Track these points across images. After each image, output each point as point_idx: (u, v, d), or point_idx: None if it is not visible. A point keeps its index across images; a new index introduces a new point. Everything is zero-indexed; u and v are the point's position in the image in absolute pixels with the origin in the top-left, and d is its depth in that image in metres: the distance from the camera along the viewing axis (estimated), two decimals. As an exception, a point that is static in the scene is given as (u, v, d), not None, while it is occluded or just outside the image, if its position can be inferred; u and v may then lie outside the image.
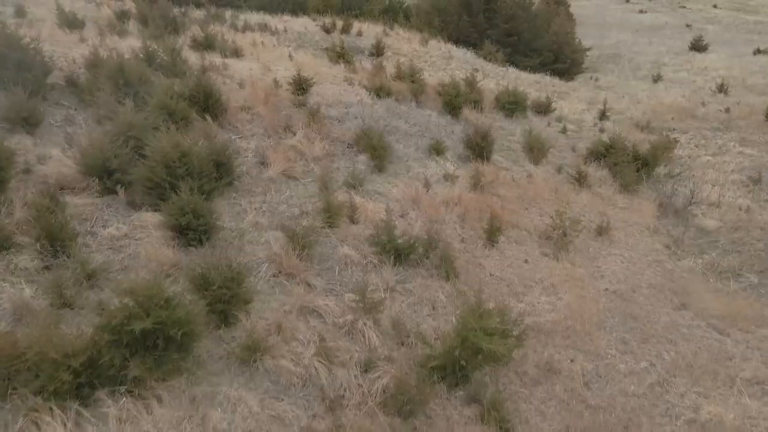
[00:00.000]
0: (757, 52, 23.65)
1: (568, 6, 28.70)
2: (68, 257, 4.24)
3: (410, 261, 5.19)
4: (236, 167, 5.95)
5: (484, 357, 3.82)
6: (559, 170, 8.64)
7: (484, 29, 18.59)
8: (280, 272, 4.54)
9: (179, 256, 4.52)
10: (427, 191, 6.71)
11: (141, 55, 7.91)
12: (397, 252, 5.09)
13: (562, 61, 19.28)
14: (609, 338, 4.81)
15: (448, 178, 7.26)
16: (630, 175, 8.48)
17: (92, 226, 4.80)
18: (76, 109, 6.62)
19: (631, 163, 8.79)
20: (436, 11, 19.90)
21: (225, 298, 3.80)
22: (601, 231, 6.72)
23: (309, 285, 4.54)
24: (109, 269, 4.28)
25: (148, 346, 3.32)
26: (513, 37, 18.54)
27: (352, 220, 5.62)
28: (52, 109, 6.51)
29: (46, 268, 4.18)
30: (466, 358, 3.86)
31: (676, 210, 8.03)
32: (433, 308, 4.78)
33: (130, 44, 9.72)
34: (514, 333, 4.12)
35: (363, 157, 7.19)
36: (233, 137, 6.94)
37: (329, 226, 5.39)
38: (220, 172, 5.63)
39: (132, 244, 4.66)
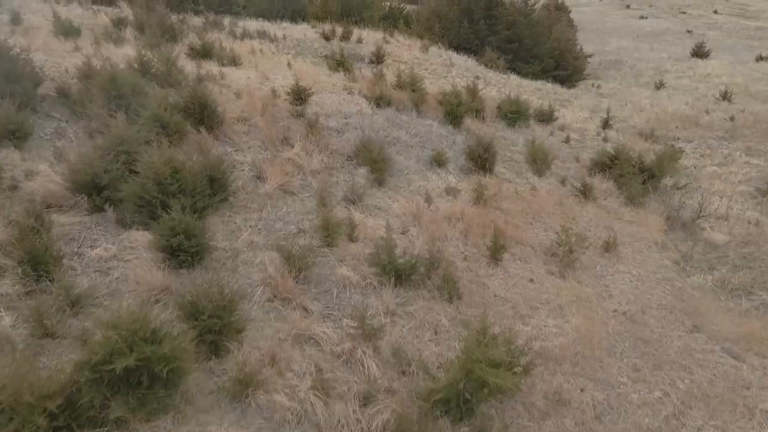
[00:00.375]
0: (760, 58, 23.52)
1: (569, 12, 28.62)
2: (51, 282, 4.04)
3: (411, 282, 4.98)
4: (231, 182, 5.74)
5: (490, 390, 3.60)
6: (563, 182, 8.44)
7: (485, 36, 18.45)
8: (275, 296, 4.33)
9: (170, 279, 4.31)
10: (429, 206, 6.50)
11: (135, 65, 7.72)
12: (397, 273, 4.88)
13: (564, 68, 19.14)
14: (620, 365, 4.59)
15: (450, 191, 7.06)
16: (636, 187, 8.28)
17: (79, 247, 4.60)
18: (67, 122, 6.43)
19: (636, 174, 8.59)
20: (436, 17, 19.77)
21: (216, 329, 3.59)
22: (608, 247, 6.51)
23: (305, 310, 4.33)
24: (94, 294, 4.07)
25: (131, 383, 3.10)
26: (514, 44, 18.40)
27: (351, 238, 5.41)
28: (42, 121, 6.31)
29: (28, 293, 3.97)
30: (471, 391, 3.65)
31: (684, 223, 7.82)
32: (436, 333, 4.56)
33: (126, 53, 9.54)
34: (522, 362, 3.90)
35: (363, 170, 6.99)
36: (229, 150, 6.74)
37: (327, 245, 5.18)
38: (214, 188, 5.43)
39: (120, 266, 4.45)
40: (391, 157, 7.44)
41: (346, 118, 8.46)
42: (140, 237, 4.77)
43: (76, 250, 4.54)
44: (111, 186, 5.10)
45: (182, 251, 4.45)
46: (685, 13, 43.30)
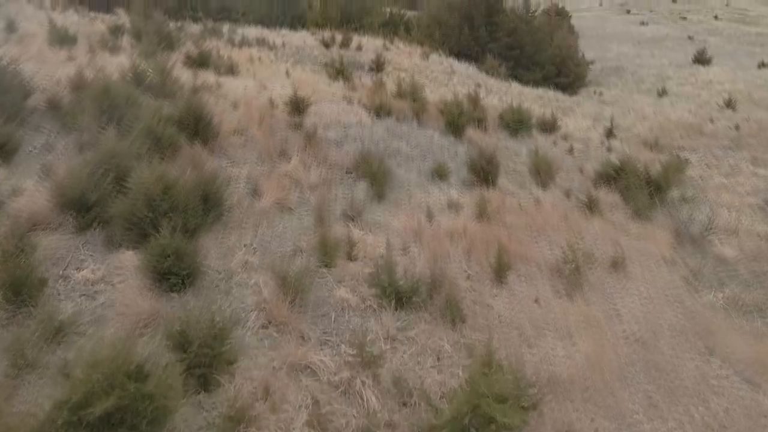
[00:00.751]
0: (762, 65, 23.40)
1: (569, 17, 28.55)
2: (34, 307, 3.83)
3: (413, 304, 4.77)
4: (226, 199, 5.54)
5: (497, 427, 3.38)
6: (567, 195, 8.24)
7: (486, 43, 18.33)
8: (270, 322, 4.12)
9: (159, 303, 4.10)
10: (430, 222, 6.30)
11: (129, 76, 7.55)
12: (398, 295, 4.67)
13: (565, 75, 19.00)
14: (632, 394, 4.37)
15: (452, 206, 6.86)
16: (643, 200, 8.08)
17: (65, 269, 4.39)
18: (57, 135, 6.24)
19: (643, 187, 8.39)
20: (436, 24, 19.66)
21: (206, 361, 3.38)
22: (616, 264, 6.30)
23: (302, 336, 4.12)
24: (79, 321, 3.86)
25: (113, 423, 2.89)
26: (515, 51, 18.27)
27: (350, 257, 5.21)
28: (30, 134, 6.13)
29: (10, 320, 3.77)
30: (477, 427, 3.43)
31: (693, 238, 7.61)
32: (438, 359, 4.34)
33: (121, 62, 9.39)
34: (530, 394, 3.69)
35: (362, 185, 6.79)
36: (224, 164, 6.56)
37: (325, 266, 4.97)
38: (208, 205, 5.23)
39: (107, 289, 4.24)
40: (391, 170, 7.25)
41: (345, 129, 8.28)
42: (129, 258, 4.56)
43: (61, 272, 4.33)
44: (100, 204, 4.90)
45: (173, 274, 4.24)
46: (685, 18, 43.28)
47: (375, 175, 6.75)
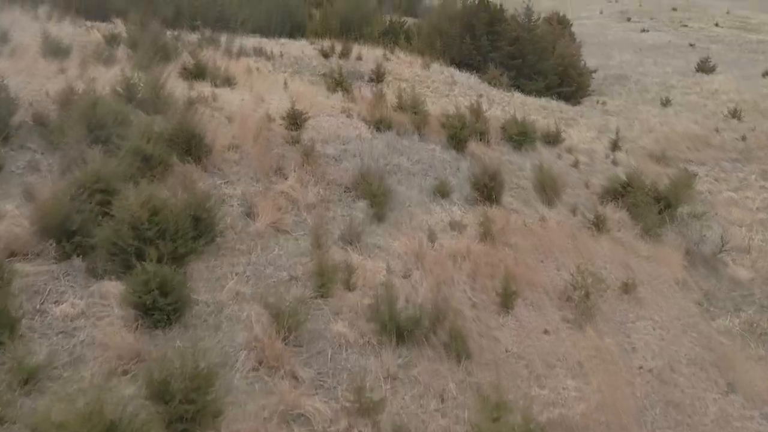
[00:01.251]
0: (766, 74, 23.18)
1: (571, 25, 28.38)
2: (5, 350, 3.54)
3: (415, 338, 4.48)
4: (218, 222, 5.26)
5: (508, 485, 3.09)
6: (573, 212, 7.97)
7: (488, 52, 18.11)
8: (260, 363, 3.83)
9: (142, 342, 3.81)
10: (433, 244, 6.02)
11: (120, 90, 7.29)
12: (399, 330, 4.38)
13: (568, 84, 18.78)
14: (651, 437, 4.08)
15: (455, 226, 6.58)
16: (652, 218, 7.80)
17: (43, 303, 4.11)
18: (43, 154, 5.97)
19: (651, 203, 8.12)
20: (437, 33, 19.46)
21: (189, 415, 3.09)
22: (627, 289, 6.02)
23: (295, 378, 3.83)
24: (54, 363, 3.57)
25: (82, 491, 2.60)
26: (517, 60, 18.06)
27: (348, 286, 4.92)
28: (15, 153, 5.86)
29: (-21, 363, 3.48)
30: (486, 483, 3.14)
31: (705, 258, 7.33)
32: (442, 401, 4.05)
33: (115, 74, 9.13)
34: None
35: (361, 204, 6.52)
36: (218, 182, 6.28)
37: (321, 296, 4.69)
38: (199, 229, 4.95)
39: (88, 325, 3.95)
40: (391, 188, 6.98)
41: (344, 144, 8.01)
42: (112, 289, 4.28)
43: (38, 306, 4.05)
44: (83, 230, 4.62)
45: (157, 310, 3.96)
46: (686, 26, 43.15)
47: (375, 195, 6.48)
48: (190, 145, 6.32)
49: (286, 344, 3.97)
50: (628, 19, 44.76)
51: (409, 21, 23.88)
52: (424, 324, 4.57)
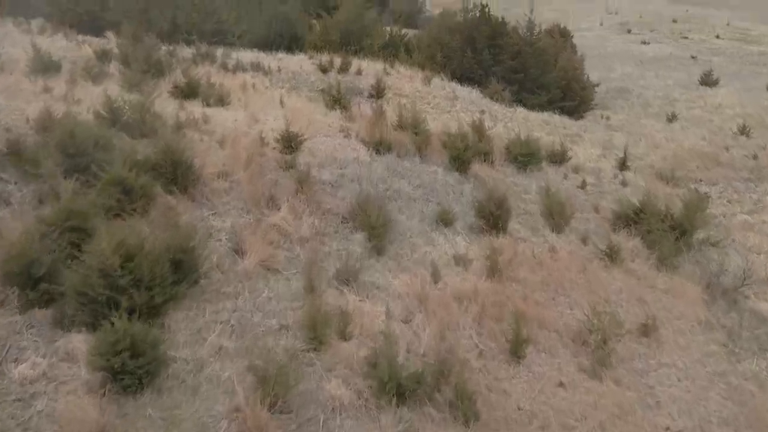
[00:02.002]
0: (771, 87, 22.88)
1: (572, 37, 28.15)
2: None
3: (417, 397, 4.03)
4: (203, 262, 4.83)
5: None
6: (584, 240, 7.53)
7: (489, 66, 17.80)
8: (243, 436, 3.38)
9: (109, 412, 3.36)
10: (436, 283, 5.58)
11: (104, 112, 6.89)
12: (400, 388, 3.93)
13: (571, 98, 18.44)
14: None
15: (460, 260, 6.15)
16: (667, 246, 7.37)
17: (0, 361, 3.66)
18: (16, 184, 5.55)
19: (666, 230, 7.69)
20: (438, 46, 19.16)
21: None
22: (647, 331, 5.57)
23: (282, 453, 3.37)
24: (5, 441, 3.13)
25: None
26: (519, 74, 17.73)
27: (344, 335, 4.48)
28: (-15, 184, 5.44)
29: None
30: None
31: (725, 291, 6.89)
32: (449, 474, 3.59)
33: (104, 92, 8.74)
34: None
35: (359, 236, 6.09)
36: (205, 214, 5.86)
37: (314, 349, 4.24)
38: (180, 273, 4.51)
39: (48, 391, 3.50)
40: (391, 216, 6.56)
41: (341, 169, 7.61)
42: (80, 344, 3.84)
43: (-6, 367, 3.60)
44: (51, 275, 4.19)
45: (127, 373, 3.51)
46: (686, 38, 43.03)
47: (373, 226, 6.05)
48: (176, 174, 5.91)
49: (272, 412, 3.52)
50: (629, 31, 44.66)
51: (410, 33, 23.61)
52: (427, 380, 4.12)
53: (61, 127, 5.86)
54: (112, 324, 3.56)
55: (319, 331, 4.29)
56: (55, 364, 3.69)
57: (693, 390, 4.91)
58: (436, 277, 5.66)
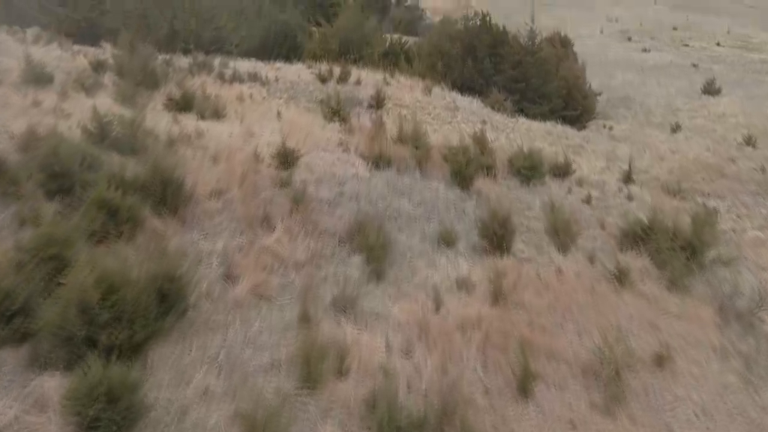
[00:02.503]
0: (774, 96, 22.69)
1: (572, 45, 28.01)
2: None
3: (419, 441, 3.73)
4: (192, 291, 4.55)
5: None
6: (591, 260, 7.26)
7: (490, 75, 17.60)
8: (228, 494, 3.09)
9: (81, 466, 3.07)
10: (438, 310, 5.30)
11: (93, 128, 6.64)
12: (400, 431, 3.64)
13: (573, 107, 18.25)
14: None
15: (463, 284, 5.87)
16: (677, 266, 7.09)
17: (-33, 407, 3.37)
18: (-4, 207, 5.28)
19: (677, 249, 7.41)
20: (438, 54, 18.98)
21: None
22: (662, 361, 5.27)
23: None
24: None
25: None
26: (521, 84, 17.53)
27: (341, 371, 4.19)
28: (-37, 207, 5.17)
29: None
30: None
31: (739, 314, 6.59)
32: None
33: (97, 104, 8.50)
34: None
35: (357, 259, 5.82)
36: (196, 237, 5.59)
37: (308, 387, 3.95)
38: (166, 305, 4.23)
39: (17, 441, 3.22)
40: (391, 236, 6.30)
41: (340, 186, 7.35)
42: (55, 386, 3.55)
43: (-40, 414, 3.31)
44: (27, 309, 3.91)
45: (104, 421, 3.22)
46: (687, 45, 42.97)
47: (372, 248, 5.78)
48: (166, 194, 5.65)
49: (261, 465, 3.23)
50: (629, 39, 44.61)
51: (410, 41, 23.44)
52: (429, 422, 3.83)
53: (44, 145, 5.61)
54: (88, 367, 3.28)
55: (313, 368, 4.00)
56: (26, 410, 3.40)
57: (712, 428, 4.61)
58: (437, 303, 5.38)
